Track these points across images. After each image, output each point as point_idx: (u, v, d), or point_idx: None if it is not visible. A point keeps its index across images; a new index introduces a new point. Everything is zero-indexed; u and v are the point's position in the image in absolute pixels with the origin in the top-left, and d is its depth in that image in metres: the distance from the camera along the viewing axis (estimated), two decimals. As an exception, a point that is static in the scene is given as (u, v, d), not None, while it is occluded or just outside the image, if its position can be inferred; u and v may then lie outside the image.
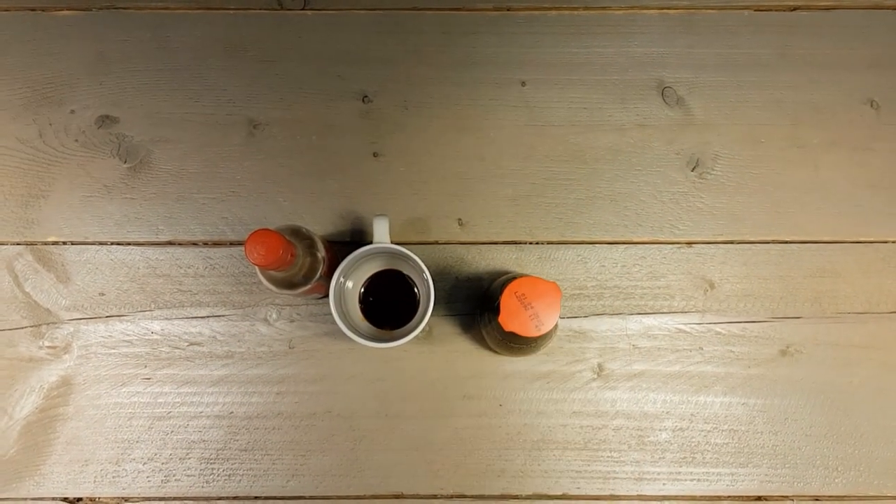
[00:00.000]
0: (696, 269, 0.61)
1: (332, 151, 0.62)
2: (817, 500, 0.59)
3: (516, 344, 0.51)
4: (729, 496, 0.59)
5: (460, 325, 0.61)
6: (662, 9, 0.64)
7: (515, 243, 0.62)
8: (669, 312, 0.61)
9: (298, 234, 0.51)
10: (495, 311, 0.48)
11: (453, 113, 0.63)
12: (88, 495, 0.59)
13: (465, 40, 0.64)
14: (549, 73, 0.63)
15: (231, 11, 0.64)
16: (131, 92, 0.63)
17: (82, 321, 0.61)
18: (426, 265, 0.53)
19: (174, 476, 0.59)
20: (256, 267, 0.47)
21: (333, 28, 0.64)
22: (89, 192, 0.62)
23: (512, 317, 0.47)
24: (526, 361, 0.60)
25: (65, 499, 0.59)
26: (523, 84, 0.63)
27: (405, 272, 0.59)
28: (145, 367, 0.60)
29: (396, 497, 0.59)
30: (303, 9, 0.64)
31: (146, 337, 0.61)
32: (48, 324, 0.61)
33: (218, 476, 0.59)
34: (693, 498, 0.59)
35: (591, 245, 0.62)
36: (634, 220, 0.62)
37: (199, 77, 0.63)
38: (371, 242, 0.54)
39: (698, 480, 0.59)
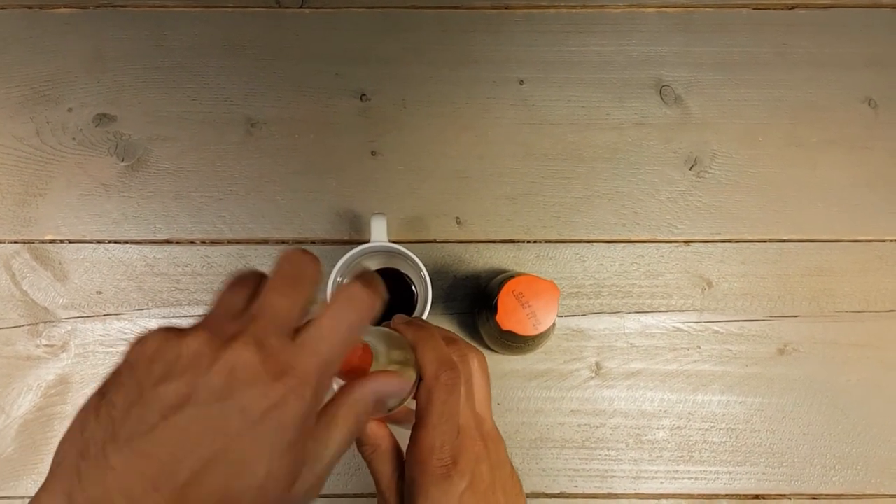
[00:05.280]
0: (694, 268, 0.61)
1: (330, 150, 0.62)
2: (815, 498, 0.59)
3: (514, 342, 0.51)
4: (727, 494, 0.59)
5: (458, 324, 0.61)
6: (660, 7, 0.64)
7: (513, 242, 0.62)
8: (667, 311, 0.61)
9: (390, 340, 0.36)
10: (493, 309, 0.48)
11: (451, 111, 0.63)
12: (86, 494, 0.59)
13: (463, 38, 0.63)
14: (547, 72, 0.63)
15: (229, 10, 0.63)
16: (129, 90, 0.63)
17: (80, 320, 0.61)
18: (424, 264, 0.53)
19: (172, 474, 0.59)
20: None
21: (331, 26, 0.63)
22: (87, 190, 0.62)
23: (510, 315, 0.47)
24: (523, 360, 0.60)
25: (62, 497, 0.59)
26: (521, 82, 0.63)
27: (403, 271, 0.59)
28: (143, 365, 0.60)
29: (394, 495, 0.59)
30: (301, 7, 0.64)
31: (144, 335, 0.60)
32: (45, 322, 0.61)
33: (216, 474, 0.59)
34: (691, 496, 0.59)
35: (588, 244, 0.62)
36: (632, 218, 0.62)
37: (197, 75, 0.63)
38: (369, 241, 0.54)
39: (696, 479, 0.59)
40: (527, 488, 0.59)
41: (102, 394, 0.24)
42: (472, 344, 0.40)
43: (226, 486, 0.23)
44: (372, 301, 0.28)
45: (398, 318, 0.38)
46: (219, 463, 0.23)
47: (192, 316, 0.60)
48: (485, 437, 0.36)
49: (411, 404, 0.36)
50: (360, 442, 0.37)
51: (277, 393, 0.24)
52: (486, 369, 0.39)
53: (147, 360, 0.24)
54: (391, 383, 0.30)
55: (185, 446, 0.23)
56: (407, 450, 0.35)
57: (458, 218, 0.62)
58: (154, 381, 0.24)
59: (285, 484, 0.25)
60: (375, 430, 0.37)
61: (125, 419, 0.23)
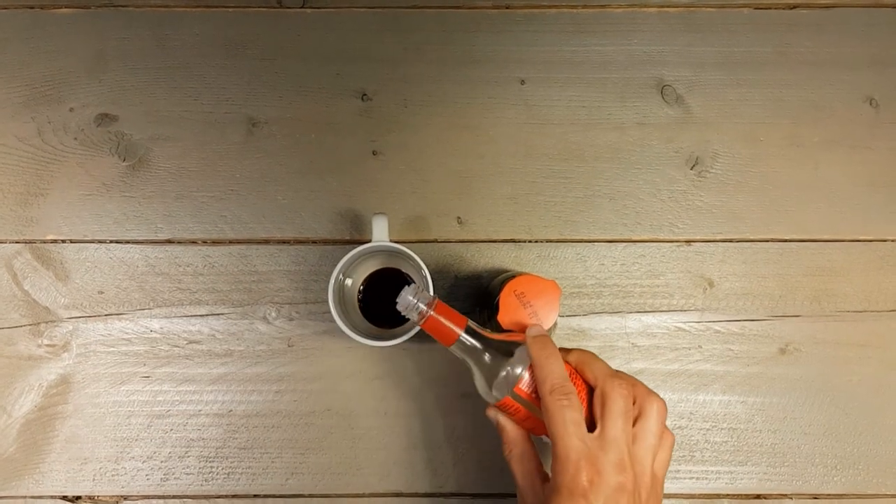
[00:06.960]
0: (696, 268, 0.61)
1: (331, 150, 0.62)
2: (816, 498, 0.59)
3: (515, 342, 0.51)
4: (728, 494, 0.59)
5: (459, 324, 0.61)
6: (662, 7, 0.64)
7: (514, 241, 0.62)
8: (668, 311, 0.61)
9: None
10: (494, 309, 0.48)
11: (452, 111, 0.63)
12: (87, 493, 0.59)
13: (464, 38, 0.63)
14: (548, 72, 0.63)
15: (230, 9, 0.64)
16: (130, 90, 0.63)
17: (81, 319, 0.61)
18: (425, 263, 0.53)
19: (173, 474, 0.59)
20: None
21: (332, 26, 0.63)
22: (88, 190, 0.62)
23: (511, 315, 0.47)
24: (525, 360, 0.60)
25: (64, 497, 0.59)
26: (522, 82, 0.63)
27: (404, 270, 0.59)
28: (144, 365, 0.60)
29: (395, 495, 0.59)
30: (302, 7, 0.64)
31: (145, 335, 0.61)
32: (47, 322, 0.61)
33: (217, 474, 0.59)
34: (692, 496, 0.59)
35: (590, 243, 0.62)
36: (634, 218, 0.62)
37: (199, 75, 0.63)
38: (370, 241, 0.54)
39: (697, 479, 0.59)
40: (528, 488, 0.59)
41: None
42: (656, 393, 0.43)
43: None
44: None
45: (533, 330, 0.45)
46: None
47: (194, 316, 0.60)
48: (637, 476, 0.39)
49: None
50: (503, 441, 0.45)
51: None
52: (664, 420, 0.42)
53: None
54: None
55: None
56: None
57: (459, 217, 0.62)
58: None
59: None
60: (514, 432, 0.44)
61: None
